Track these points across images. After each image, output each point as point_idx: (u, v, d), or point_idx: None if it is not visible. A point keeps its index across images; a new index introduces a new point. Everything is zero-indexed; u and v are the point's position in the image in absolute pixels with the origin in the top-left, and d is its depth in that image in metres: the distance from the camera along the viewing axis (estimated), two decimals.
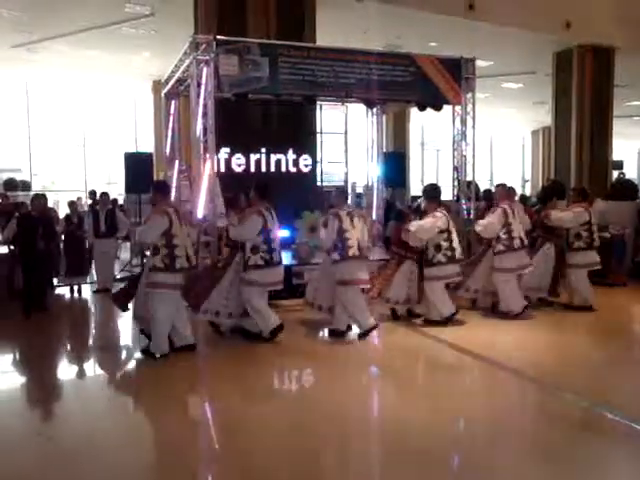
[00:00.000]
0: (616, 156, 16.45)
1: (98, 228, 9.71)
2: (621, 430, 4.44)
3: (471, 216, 9.49)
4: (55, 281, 9.71)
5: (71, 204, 10.46)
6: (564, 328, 7.40)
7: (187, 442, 4.27)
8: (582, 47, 13.48)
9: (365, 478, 3.84)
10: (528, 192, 24.61)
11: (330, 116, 13.00)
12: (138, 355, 6.27)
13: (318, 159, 11.37)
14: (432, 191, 7.60)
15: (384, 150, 12.36)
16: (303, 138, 10.69)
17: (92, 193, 13.08)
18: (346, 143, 13.39)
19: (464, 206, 9.53)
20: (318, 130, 11.62)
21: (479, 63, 10.47)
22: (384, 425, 4.59)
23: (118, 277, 10.48)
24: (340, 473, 3.95)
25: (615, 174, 14.41)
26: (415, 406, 4.88)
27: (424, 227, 7.11)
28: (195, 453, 4.16)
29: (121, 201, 14.77)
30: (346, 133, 13.67)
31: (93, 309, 9.39)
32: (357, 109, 12.10)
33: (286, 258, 7.30)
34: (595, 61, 13.59)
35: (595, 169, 13.82)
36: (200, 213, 8.16)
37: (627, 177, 12.80)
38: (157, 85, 16.45)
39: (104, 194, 10.43)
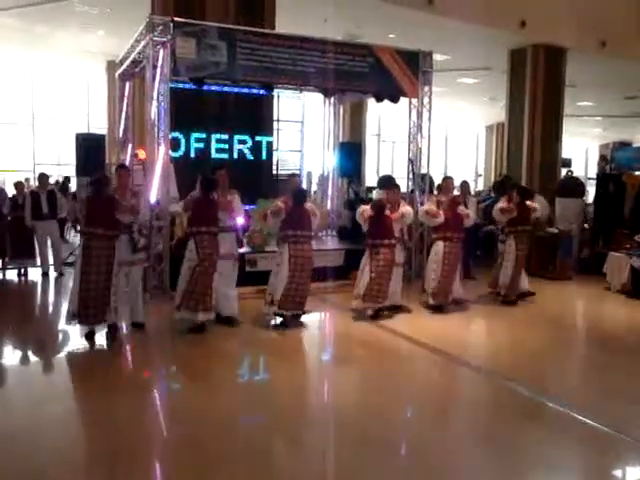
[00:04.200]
0: (565, 154, 16.92)
1: (40, 210, 9.42)
2: (561, 418, 4.61)
3: (425, 208, 9.60)
4: None
5: (17, 185, 10.10)
6: (505, 320, 7.63)
7: (134, 428, 4.23)
8: (536, 46, 13.77)
9: (319, 465, 3.87)
10: (481, 186, 25.08)
11: (287, 104, 12.93)
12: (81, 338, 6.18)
13: (275, 147, 11.32)
14: (387, 180, 7.75)
15: (340, 140, 12.39)
16: (261, 125, 10.63)
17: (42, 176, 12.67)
18: (302, 132, 13.36)
19: (418, 198, 9.63)
20: (275, 118, 11.55)
21: (437, 57, 10.58)
22: (336, 412, 4.63)
23: (69, 261, 10.25)
24: (293, 460, 3.97)
25: (564, 172, 14.80)
26: (368, 394, 4.95)
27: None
28: (142, 439, 4.12)
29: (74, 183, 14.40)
30: (303, 122, 13.63)
31: (40, 292, 9.16)
32: (314, 98, 12.09)
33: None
34: (548, 60, 13.87)
35: (546, 166, 14.18)
36: (153, 198, 8.02)
37: (575, 175, 13.13)
38: (111, 65, 15.99)
39: (43, 175, 10.12)
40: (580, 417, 4.50)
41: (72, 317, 6.02)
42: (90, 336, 6.13)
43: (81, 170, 10.68)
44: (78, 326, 6.12)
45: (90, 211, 6.02)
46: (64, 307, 7.59)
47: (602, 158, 14.14)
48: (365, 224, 7.36)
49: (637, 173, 11.61)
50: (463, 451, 4.05)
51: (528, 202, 8.45)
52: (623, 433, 4.23)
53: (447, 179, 8.31)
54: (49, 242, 9.69)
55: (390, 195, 7.62)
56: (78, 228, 8.60)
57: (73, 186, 15.11)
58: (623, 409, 4.74)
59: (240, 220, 7.20)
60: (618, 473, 4.00)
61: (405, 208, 7.56)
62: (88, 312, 5.97)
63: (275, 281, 6.79)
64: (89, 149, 10.11)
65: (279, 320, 6.85)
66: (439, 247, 7.68)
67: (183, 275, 6.44)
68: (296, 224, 6.77)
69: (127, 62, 9.31)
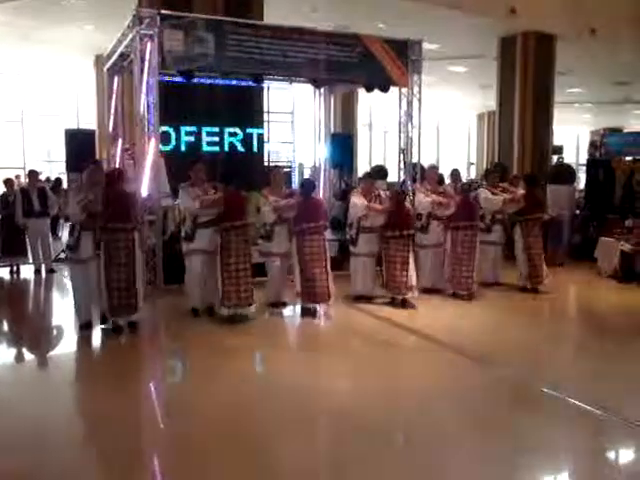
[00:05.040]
0: (557, 141, 16.96)
1: (31, 208, 9.36)
2: (555, 402, 4.66)
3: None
4: None
5: (6, 182, 10.01)
6: (497, 307, 7.68)
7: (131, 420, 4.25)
8: (526, 33, 13.76)
9: (312, 454, 3.90)
10: (473, 175, 25.09)
11: (278, 96, 12.89)
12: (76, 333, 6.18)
13: (266, 139, 11.31)
14: (377, 172, 7.78)
15: (332, 131, 12.38)
16: (251, 117, 10.61)
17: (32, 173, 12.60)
18: (293, 123, 13.33)
19: (409, 187, 9.64)
20: (265, 109, 11.52)
21: (427, 46, 10.56)
22: (336, 401, 4.66)
23: (61, 257, 10.23)
24: (286, 449, 3.99)
25: (555, 159, 14.84)
26: (362, 382, 4.98)
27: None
28: (139, 433, 4.14)
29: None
30: (293, 113, 13.60)
31: (32, 289, 9.15)
32: (305, 89, 12.05)
33: None
34: (538, 48, 13.86)
35: (537, 153, 14.21)
36: (144, 192, 8.00)
37: (565, 162, 13.18)
38: (100, 60, 15.88)
39: (33, 172, 10.06)
40: (573, 400, 4.55)
41: (110, 311, 6.09)
42: (87, 326, 6.23)
43: (71, 166, 10.64)
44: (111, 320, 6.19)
45: (109, 206, 6.03)
46: (63, 304, 7.68)
47: (592, 144, 14.20)
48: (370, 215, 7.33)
49: (627, 159, 11.65)
50: (461, 437, 4.08)
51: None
52: (614, 414, 4.28)
53: (431, 168, 8.33)
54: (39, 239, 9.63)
55: (365, 186, 7.62)
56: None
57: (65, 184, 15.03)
58: (615, 391, 4.79)
59: None
60: (611, 453, 4.05)
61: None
62: (121, 303, 6.06)
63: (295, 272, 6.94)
64: (79, 145, 10.07)
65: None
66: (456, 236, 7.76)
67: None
68: (308, 217, 6.85)
69: (115, 56, 9.25)
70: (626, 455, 4.05)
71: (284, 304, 7.23)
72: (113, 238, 6.02)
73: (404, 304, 7.35)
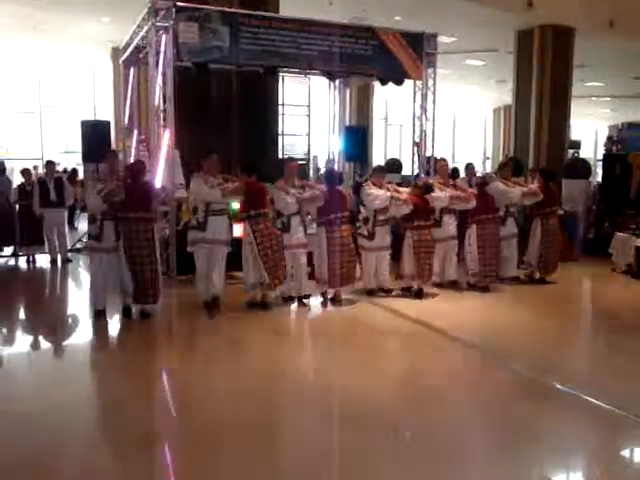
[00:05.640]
0: (575, 136, 16.80)
1: (48, 198, 9.48)
2: (564, 397, 4.65)
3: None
4: (10, 251, 9.56)
5: (24, 172, 10.13)
6: (510, 300, 7.67)
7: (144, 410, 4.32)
8: (543, 27, 13.64)
9: (310, 444, 3.93)
10: (489, 169, 24.95)
11: (293, 88, 12.91)
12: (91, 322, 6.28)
13: (280, 132, 11.32)
14: (390, 165, 7.79)
15: (347, 124, 12.36)
16: (266, 110, 10.61)
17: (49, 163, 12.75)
18: (309, 116, 13.34)
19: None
20: (280, 102, 11.54)
21: (443, 39, 10.55)
22: (334, 392, 4.69)
23: (77, 247, 10.37)
24: (282, 438, 4.04)
25: (570, 153, 14.71)
26: (364, 373, 5.01)
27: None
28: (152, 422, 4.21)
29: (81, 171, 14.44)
30: (309, 106, 13.61)
31: (49, 279, 9.29)
32: (320, 82, 12.05)
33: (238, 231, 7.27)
34: (555, 41, 13.73)
35: (553, 148, 14.10)
36: (159, 183, 8.06)
37: (582, 157, 13.05)
38: (116, 52, 15.99)
39: (50, 162, 10.17)
40: (584, 396, 4.53)
41: (134, 298, 6.30)
42: (101, 314, 6.37)
43: (87, 157, 10.74)
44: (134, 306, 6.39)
45: (132, 196, 6.18)
46: (78, 293, 7.80)
47: (609, 139, 14.03)
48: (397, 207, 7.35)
49: None
50: (466, 428, 4.10)
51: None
52: (626, 411, 4.27)
53: (441, 161, 8.30)
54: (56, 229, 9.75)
55: (375, 179, 7.59)
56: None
57: (81, 174, 15.17)
58: (626, 388, 4.77)
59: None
60: (622, 449, 4.04)
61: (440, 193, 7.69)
62: (147, 292, 6.24)
63: (319, 261, 7.09)
64: (95, 136, 10.14)
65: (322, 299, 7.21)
66: (474, 230, 7.75)
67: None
68: (335, 207, 6.93)
69: (130, 48, 9.33)
70: (636, 450, 4.05)
71: (307, 296, 7.20)
72: (134, 229, 6.17)
73: (419, 294, 7.38)
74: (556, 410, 4.39)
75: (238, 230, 7.01)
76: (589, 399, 4.48)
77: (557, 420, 4.19)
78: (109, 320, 6.38)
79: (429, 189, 7.50)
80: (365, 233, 7.46)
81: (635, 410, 4.28)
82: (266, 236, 6.58)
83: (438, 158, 8.70)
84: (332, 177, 7.37)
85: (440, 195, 7.64)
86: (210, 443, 3.77)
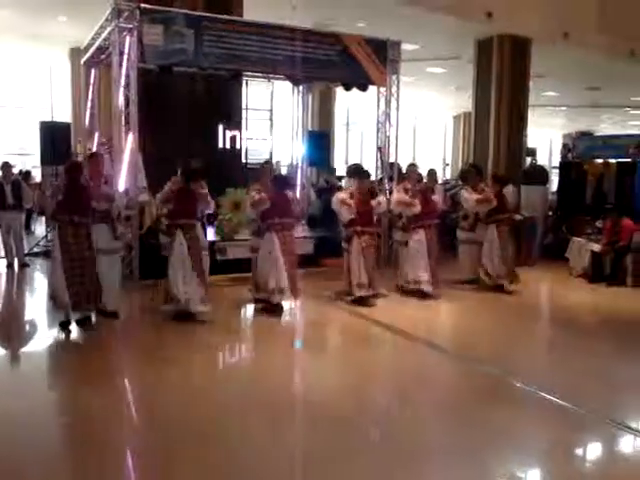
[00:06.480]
0: (530, 144, 17.20)
1: (4, 201, 9.22)
2: (526, 396, 4.78)
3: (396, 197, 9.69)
4: None
5: None
6: (472, 305, 7.81)
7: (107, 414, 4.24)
8: (501, 36, 13.96)
9: (285, 445, 3.94)
10: (448, 175, 25.34)
11: (256, 93, 12.88)
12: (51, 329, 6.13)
13: (243, 136, 11.28)
14: (358, 169, 7.86)
15: (309, 129, 12.41)
16: (229, 114, 10.56)
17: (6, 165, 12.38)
18: (271, 120, 13.33)
19: (386, 186, 9.74)
20: (244, 106, 11.50)
21: (406, 46, 10.66)
22: (304, 394, 4.71)
23: (35, 251, 10.12)
24: (258, 440, 4.03)
25: (528, 161, 15.07)
26: (334, 376, 5.03)
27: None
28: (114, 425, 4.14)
29: (38, 174, 14.07)
30: (271, 110, 13.60)
31: (4, 284, 9.03)
32: (283, 86, 12.06)
33: (210, 234, 7.24)
34: (513, 51, 14.08)
35: (511, 155, 14.42)
36: (121, 187, 7.94)
37: (539, 164, 13.41)
38: (75, 52, 15.67)
39: (6, 164, 9.90)
40: (543, 394, 4.67)
41: (62, 305, 5.98)
42: (65, 325, 6.08)
43: (46, 159, 10.51)
44: (71, 312, 6.07)
45: (66, 198, 5.94)
46: (35, 298, 7.58)
47: (564, 147, 14.46)
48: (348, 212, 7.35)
49: (597, 161, 11.90)
50: (433, 429, 4.16)
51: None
52: (583, 408, 4.42)
53: (411, 166, 8.41)
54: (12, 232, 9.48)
55: (361, 184, 7.58)
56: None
57: (37, 176, 14.78)
58: (582, 386, 4.93)
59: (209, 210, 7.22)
60: (579, 445, 4.17)
61: (381, 197, 7.83)
62: (80, 298, 5.94)
63: (264, 267, 6.80)
64: (54, 138, 9.95)
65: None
66: (421, 235, 7.76)
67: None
68: (281, 211, 6.82)
69: (92, 49, 9.17)
70: (592, 444, 4.18)
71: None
72: (69, 232, 5.90)
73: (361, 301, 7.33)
74: (518, 408, 4.50)
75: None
76: (549, 397, 4.62)
77: (519, 417, 4.29)
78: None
79: (373, 194, 7.57)
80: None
81: (590, 406, 4.44)
82: (287, 244, 6.75)
83: (408, 164, 8.78)
84: (279, 182, 7.19)
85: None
86: (170, 450, 3.73)
